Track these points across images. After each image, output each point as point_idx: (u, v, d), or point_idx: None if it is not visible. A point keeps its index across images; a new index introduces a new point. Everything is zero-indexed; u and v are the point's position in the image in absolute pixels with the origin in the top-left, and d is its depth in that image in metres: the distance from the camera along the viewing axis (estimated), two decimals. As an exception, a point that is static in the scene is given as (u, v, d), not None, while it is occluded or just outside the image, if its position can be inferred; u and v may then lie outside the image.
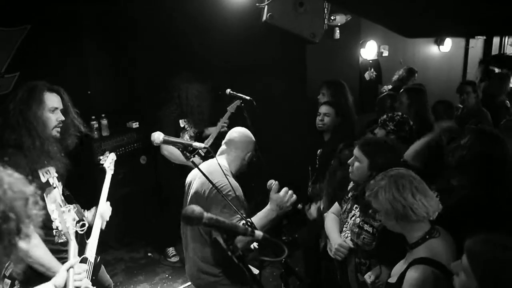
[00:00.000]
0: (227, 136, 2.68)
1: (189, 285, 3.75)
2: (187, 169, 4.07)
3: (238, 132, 2.66)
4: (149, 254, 4.46)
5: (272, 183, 2.36)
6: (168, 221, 4.24)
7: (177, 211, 4.55)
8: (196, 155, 3.99)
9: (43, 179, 2.33)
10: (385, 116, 3.17)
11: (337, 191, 2.90)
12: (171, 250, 4.33)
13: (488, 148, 2.28)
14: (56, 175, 2.42)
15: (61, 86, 2.48)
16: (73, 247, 1.99)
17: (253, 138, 2.68)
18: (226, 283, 2.48)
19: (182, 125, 4.02)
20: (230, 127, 4.17)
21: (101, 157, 2.90)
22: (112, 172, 2.76)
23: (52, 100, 2.36)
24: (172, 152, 3.94)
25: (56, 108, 2.36)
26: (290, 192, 2.28)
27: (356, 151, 2.44)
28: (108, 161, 2.83)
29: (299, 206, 2.35)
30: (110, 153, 2.91)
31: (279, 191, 2.29)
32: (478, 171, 2.25)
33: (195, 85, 3.99)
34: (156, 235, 4.47)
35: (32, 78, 2.43)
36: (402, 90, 4.06)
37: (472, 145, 2.29)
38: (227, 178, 2.31)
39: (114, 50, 4.61)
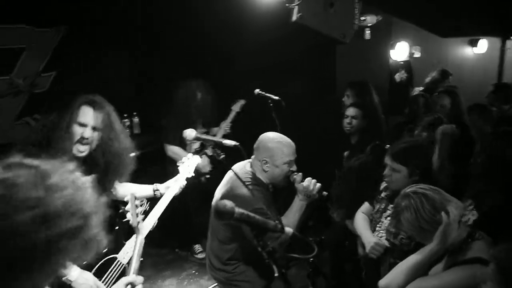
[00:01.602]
0: (257, 141, 2.50)
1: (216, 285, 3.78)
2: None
3: (267, 137, 2.47)
4: (176, 250, 4.52)
5: (295, 175, 2.40)
6: (194, 218, 4.31)
7: (193, 211, 4.42)
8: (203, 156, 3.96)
9: None
10: (429, 118, 3.17)
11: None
12: (197, 247, 4.38)
13: (507, 151, 2.19)
14: None
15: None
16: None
17: (289, 144, 2.45)
18: (239, 280, 2.51)
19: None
20: (235, 127, 4.21)
21: None
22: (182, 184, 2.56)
23: (84, 115, 2.16)
24: (177, 153, 3.94)
25: (86, 125, 2.15)
26: (313, 180, 2.35)
27: (390, 162, 2.41)
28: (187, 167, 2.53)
29: (324, 193, 2.41)
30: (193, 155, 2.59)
31: (302, 181, 2.36)
32: (500, 175, 2.17)
33: (198, 89, 4.00)
34: (184, 232, 4.52)
35: (68, 77, 2.46)
36: (440, 92, 3.98)
37: (491, 149, 2.23)
38: (249, 189, 2.18)
39: (146, 49, 4.72)
